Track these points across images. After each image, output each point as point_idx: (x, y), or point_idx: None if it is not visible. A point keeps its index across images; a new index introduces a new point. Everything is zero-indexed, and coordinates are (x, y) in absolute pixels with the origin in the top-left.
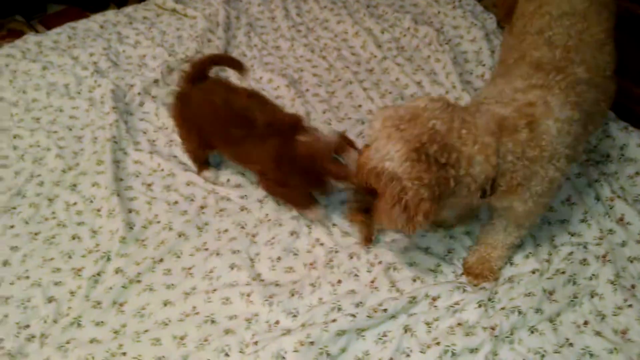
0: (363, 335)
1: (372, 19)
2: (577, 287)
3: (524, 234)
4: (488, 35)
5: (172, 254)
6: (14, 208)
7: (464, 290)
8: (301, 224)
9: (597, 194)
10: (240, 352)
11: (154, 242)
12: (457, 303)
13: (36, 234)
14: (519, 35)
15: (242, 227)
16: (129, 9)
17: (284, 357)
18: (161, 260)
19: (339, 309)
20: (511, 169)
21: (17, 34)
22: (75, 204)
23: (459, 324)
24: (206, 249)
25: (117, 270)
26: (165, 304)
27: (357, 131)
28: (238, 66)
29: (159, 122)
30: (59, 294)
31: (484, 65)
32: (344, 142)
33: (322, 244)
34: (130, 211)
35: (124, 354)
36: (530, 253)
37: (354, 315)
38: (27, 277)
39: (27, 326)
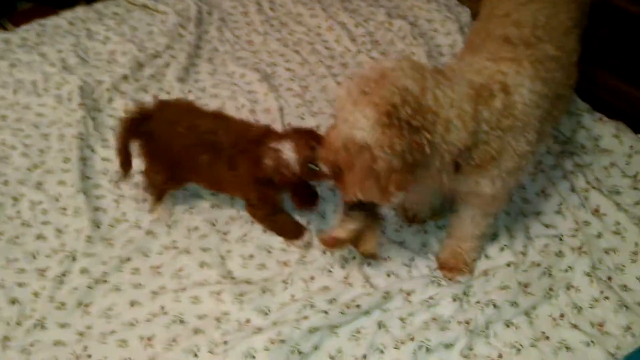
0: (336, 332)
1: (345, 13)
2: (552, 280)
3: (491, 222)
4: (462, 28)
5: (140, 252)
6: None
7: (439, 284)
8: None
9: (572, 185)
10: (210, 352)
11: (122, 241)
12: (431, 297)
13: (0, 233)
14: (486, 18)
15: (213, 224)
16: (98, 5)
17: (254, 357)
18: (128, 259)
19: (312, 306)
20: (485, 139)
21: None
22: (40, 202)
23: (434, 319)
24: (175, 247)
25: (83, 270)
26: (132, 304)
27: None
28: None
29: None
30: (22, 296)
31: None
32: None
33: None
34: (97, 209)
35: (89, 356)
36: (505, 245)
37: (326, 312)
38: None
39: None
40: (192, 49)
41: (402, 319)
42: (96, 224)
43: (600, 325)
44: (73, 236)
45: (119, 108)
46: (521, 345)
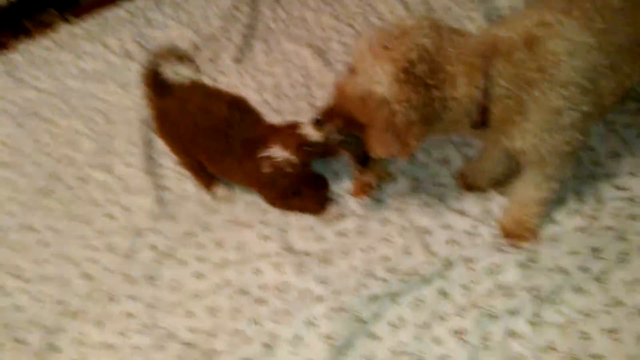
0: (396, 301)
1: None
2: (626, 244)
3: (555, 187)
4: None
5: (203, 227)
6: (52, 191)
7: (502, 251)
8: (332, 194)
9: None
10: (272, 321)
11: (185, 217)
12: (495, 265)
13: (72, 214)
14: None
15: None
16: None
17: (315, 324)
18: (192, 233)
19: (371, 275)
20: (505, 94)
21: (50, 26)
22: (108, 183)
23: (498, 286)
24: (236, 222)
25: (150, 246)
26: (197, 277)
27: None
28: (186, 58)
29: None
30: (93, 271)
31: None
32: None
33: (353, 212)
34: (161, 188)
35: (158, 326)
36: (574, 210)
37: (386, 280)
38: (65, 256)
39: (65, 302)
40: (246, 30)
41: (464, 287)
42: (161, 202)
43: None
44: (139, 214)
45: None
46: (593, 311)
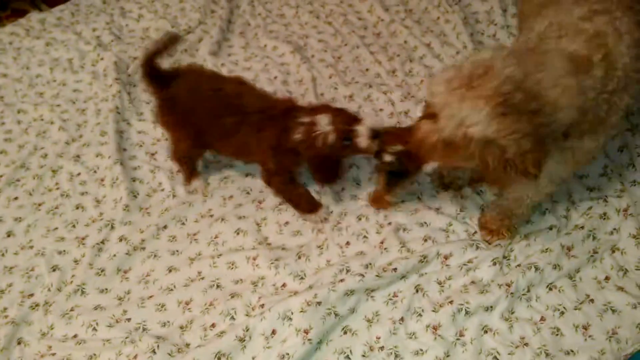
0: (372, 296)
1: None
2: (597, 242)
3: (553, 190)
4: None
5: (177, 220)
6: (18, 180)
7: (478, 248)
8: (311, 190)
9: (622, 144)
10: (246, 314)
11: (158, 210)
12: (470, 261)
13: (40, 204)
14: None
15: (248, 193)
16: None
17: (290, 318)
18: (165, 227)
19: (347, 270)
20: (592, 105)
21: (21, 13)
22: (79, 174)
23: (473, 282)
24: (211, 215)
25: (121, 238)
26: (169, 270)
27: (365, 95)
28: (174, 40)
29: None
30: (62, 263)
31: (495, 24)
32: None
33: (329, 208)
34: (134, 180)
35: (129, 319)
36: (547, 210)
37: (362, 275)
38: (31, 247)
39: (32, 295)
40: (224, 24)
41: (439, 283)
42: (133, 194)
43: None
44: (111, 206)
45: None
46: (565, 308)
